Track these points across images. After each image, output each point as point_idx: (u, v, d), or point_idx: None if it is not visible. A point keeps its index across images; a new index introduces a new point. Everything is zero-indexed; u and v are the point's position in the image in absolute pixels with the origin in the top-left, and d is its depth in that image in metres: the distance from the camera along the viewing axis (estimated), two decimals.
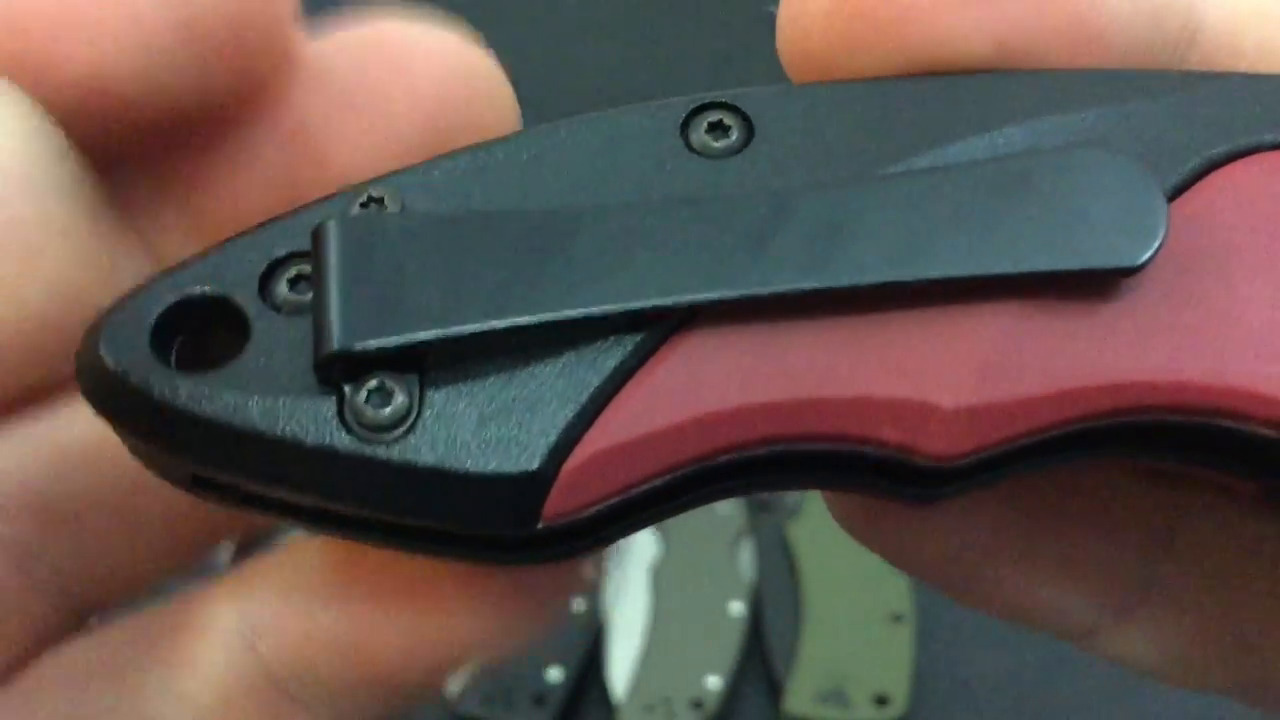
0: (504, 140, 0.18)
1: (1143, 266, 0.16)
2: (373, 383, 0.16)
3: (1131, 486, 0.23)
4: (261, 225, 0.17)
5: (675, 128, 0.18)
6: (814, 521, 0.64)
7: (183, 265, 0.17)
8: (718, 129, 0.18)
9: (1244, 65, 0.19)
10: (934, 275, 0.16)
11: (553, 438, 0.16)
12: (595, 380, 0.16)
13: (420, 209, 0.17)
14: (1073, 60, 0.18)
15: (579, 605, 0.62)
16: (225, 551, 0.67)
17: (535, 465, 0.16)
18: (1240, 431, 0.17)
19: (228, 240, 0.17)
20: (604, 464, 0.16)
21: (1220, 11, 0.19)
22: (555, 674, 0.60)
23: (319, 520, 0.17)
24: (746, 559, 0.64)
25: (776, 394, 0.16)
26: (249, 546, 0.69)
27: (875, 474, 0.18)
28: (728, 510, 0.65)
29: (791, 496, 0.65)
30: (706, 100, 0.18)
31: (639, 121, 0.18)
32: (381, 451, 0.16)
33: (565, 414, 0.16)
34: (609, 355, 0.16)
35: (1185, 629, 0.23)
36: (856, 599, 0.62)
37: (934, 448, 0.17)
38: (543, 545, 0.17)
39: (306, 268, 0.17)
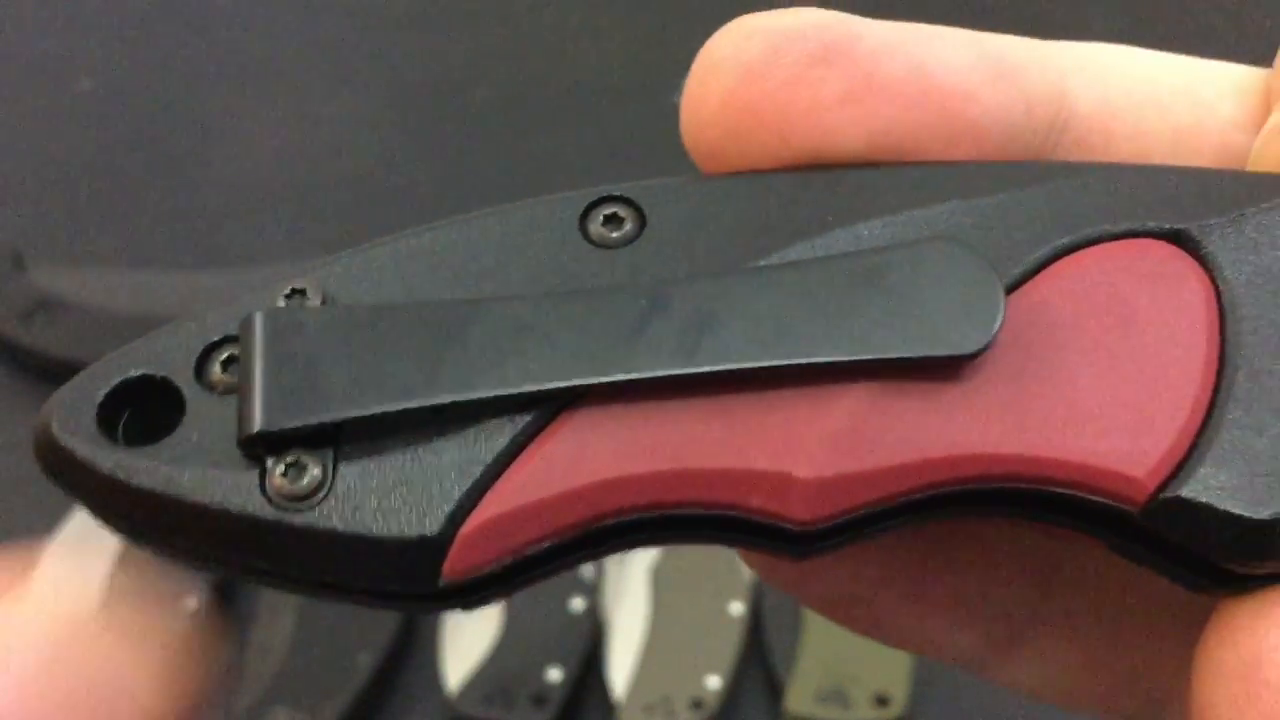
0: (419, 232, 0.19)
1: (979, 354, 0.18)
2: (290, 458, 0.18)
3: (1012, 531, 0.23)
4: (199, 312, 0.19)
5: (574, 220, 0.19)
6: None
7: (128, 348, 0.19)
8: (613, 221, 0.19)
9: (1117, 150, 0.20)
10: (793, 360, 0.18)
11: (449, 506, 0.18)
12: (488, 456, 0.18)
13: (341, 297, 0.19)
14: (948, 152, 0.19)
15: (579, 605, 0.62)
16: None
17: (434, 531, 0.18)
18: (1074, 497, 0.19)
19: (168, 325, 0.19)
20: (496, 528, 0.18)
21: (1091, 100, 0.20)
22: (555, 674, 0.60)
23: (248, 573, 0.19)
24: None
25: (651, 466, 0.18)
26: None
27: (753, 533, 0.19)
28: None
29: None
30: (604, 194, 0.19)
31: (542, 213, 0.19)
32: (298, 519, 0.18)
33: (462, 484, 0.18)
34: (502, 432, 0.18)
35: (1073, 661, 0.24)
36: None
37: (795, 513, 0.18)
38: (445, 598, 0.19)
39: (237, 351, 0.18)
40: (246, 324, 0.18)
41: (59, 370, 0.70)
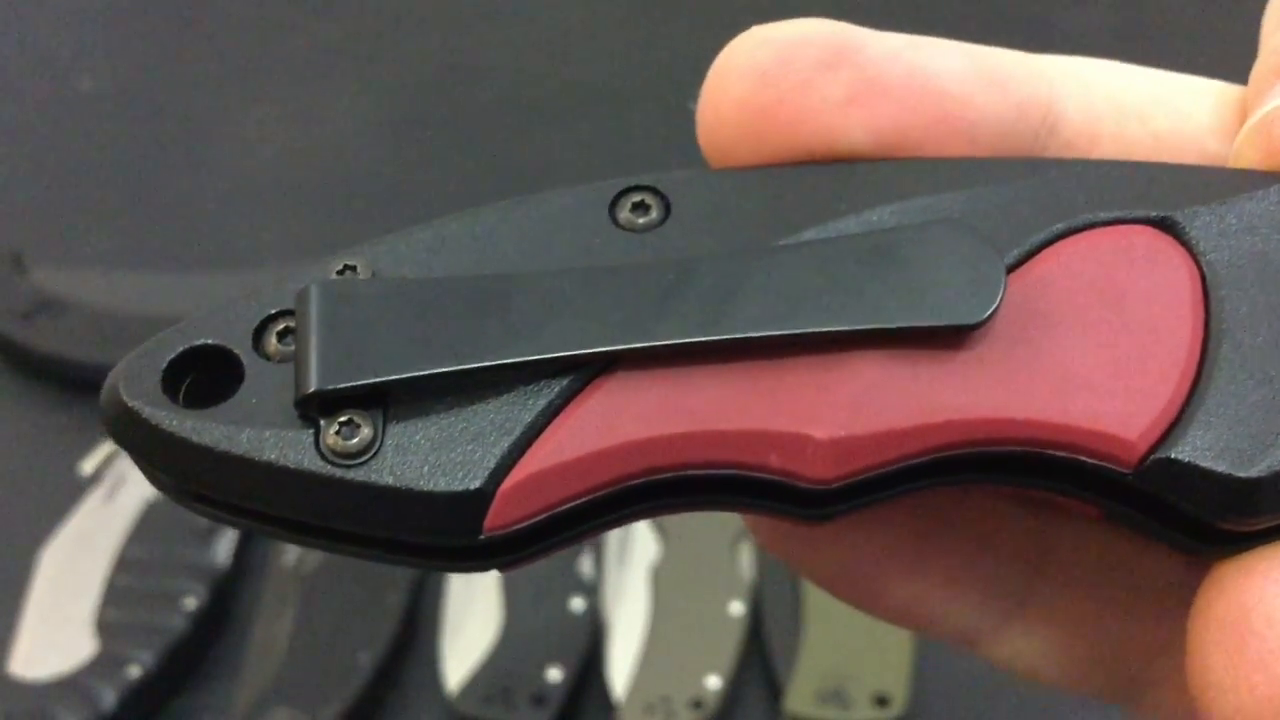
0: (460, 216, 0.21)
1: (983, 323, 0.19)
2: (343, 417, 0.19)
3: (1007, 512, 0.25)
4: (256, 287, 0.20)
5: (604, 206, 0.21)
6: None
7: (192, 320, 0.20)
8: (640, 208, 0.21)
9: (1101, 153, 0.22)
10: (811, 329, 0.19)
11: (492, 463, 0.19)
12: (528, 416, 0.19)
13: (388, 273, 0.20)
14: (944, 149, 0.21)
15: (579, 605, 0.62)
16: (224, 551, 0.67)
17: (476, 485, 0.19)
18: (1071, 460, 0.20)
19: (230, 298, 0.20)
20: (534, 485, 0.19)
21: (1079, 106, 0.22)
22: (555, 674, 0.60)
23: (298, 531, 0.20)
24: (746, 559, 0.64)
25: (678, 427, 0.19)
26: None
27: (772, 496, 0.20)
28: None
29: None
30: (632, 183, 0.21)
31: (574, 200, 0.21)
32: (349, 474, 0.19)
33: (503, 443, 0.19)
34: (541, 395, 0.19)
35: (1059, 638, 0.25)
36: None
37: (812, 473, 0.19)
38: (486, 554, 0.20)
39: (293, 323, 0.20)
40: (302, 294, 0.19)
41: (59, 370, 0.70)
